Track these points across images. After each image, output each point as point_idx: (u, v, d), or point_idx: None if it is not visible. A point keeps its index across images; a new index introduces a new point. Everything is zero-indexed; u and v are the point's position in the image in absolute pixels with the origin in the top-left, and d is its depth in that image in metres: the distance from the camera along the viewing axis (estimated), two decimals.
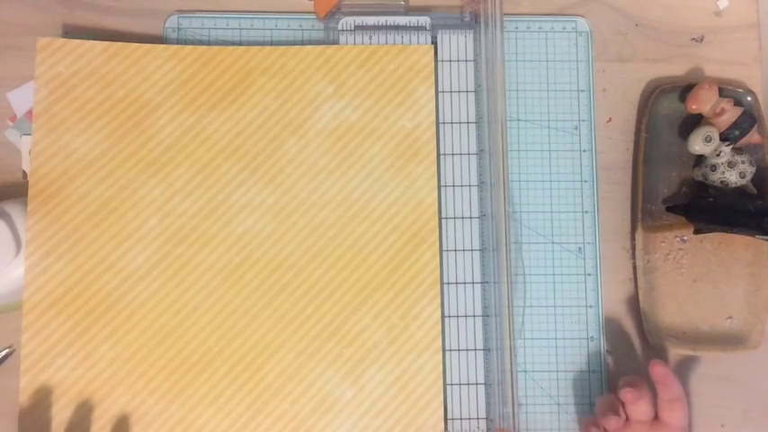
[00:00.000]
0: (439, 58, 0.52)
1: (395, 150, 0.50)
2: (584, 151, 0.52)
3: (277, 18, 0.53)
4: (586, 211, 0.52)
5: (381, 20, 0.52)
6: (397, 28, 0.52)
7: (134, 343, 0.48)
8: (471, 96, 0.51)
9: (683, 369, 0.51)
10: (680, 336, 0.50)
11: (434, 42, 0.52)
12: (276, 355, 0.48)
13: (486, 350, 0.49)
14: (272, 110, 0.50)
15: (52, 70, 0.49)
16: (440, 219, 0.50)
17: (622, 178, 0.53)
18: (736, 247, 0.51)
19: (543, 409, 0.50)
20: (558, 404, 0.50)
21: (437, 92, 0.51)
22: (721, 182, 0.49)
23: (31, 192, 0.48)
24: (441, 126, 0.51)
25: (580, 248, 0.51)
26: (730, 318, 0.51)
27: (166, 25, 0.53)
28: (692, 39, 0.54)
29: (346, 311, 0.49)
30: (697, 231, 0.50)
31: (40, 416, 0.46)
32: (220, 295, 0.48)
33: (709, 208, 0.49)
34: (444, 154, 0.51)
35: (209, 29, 0.53)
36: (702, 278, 0.51)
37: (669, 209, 0.50)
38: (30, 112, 0.51)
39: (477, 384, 0.49)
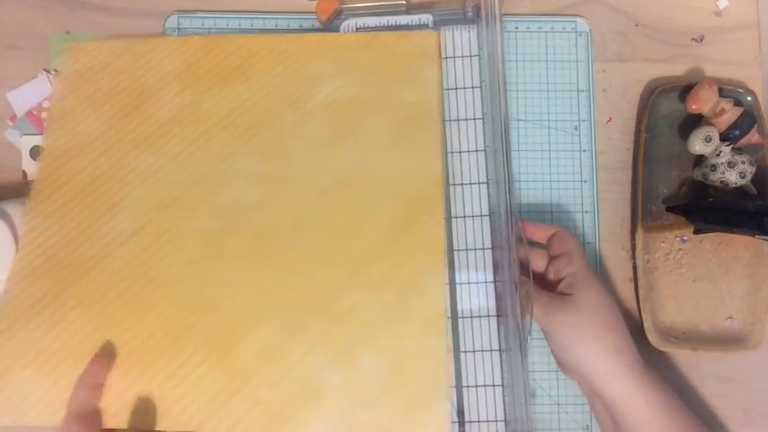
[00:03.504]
0: (443, 55, 0.51)
1: (398, 124, 0.48)
2: (584, 151, 0.52)
3: (277, 18, 0.53)
4: (586, 211, 0.52)
5: (383, 20, 0.51)
6: (399, 28, 0.51)
7: (102, 312, 0.44)
8: (477, 92, 0.51)
9: (684, 369, 0.51)
10: (680, 336, 0.50)
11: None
12: (254, 333, 0.43)
13: (503, 351, 0.48)
14: (271, 87, 0.49)
15: (74, 69, 0.49)
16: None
17: (622, 178, 0.53)
18: (737, 247, 0.51)
19: (543, 409, 0.50)
20: (558, 404, 0.50)
21: (442, 90, 0.50)
22: (721, 182, 0.49)
23: (31, 192, 0.47)
24: (447, 123, 0.51)
25: None
26: (730, 318, 0.51)
27: (166, 25, 0.53)
28: (692, 39, 0.54)
29: (336, 285, 0.44)
30: (697, 231, 0.51)
31: (8, 383, 0.43)
32: (198, 265, 0.44)
33: (709, 208, 0.49)
34: (452, 152, 0.50)
35: (210, 29, 0.53)
36: (702, 278, 0.51)
37: (669, 209, 0.50)
38: (30, 113, 0.51)
39: (494, 386, 0.47)
